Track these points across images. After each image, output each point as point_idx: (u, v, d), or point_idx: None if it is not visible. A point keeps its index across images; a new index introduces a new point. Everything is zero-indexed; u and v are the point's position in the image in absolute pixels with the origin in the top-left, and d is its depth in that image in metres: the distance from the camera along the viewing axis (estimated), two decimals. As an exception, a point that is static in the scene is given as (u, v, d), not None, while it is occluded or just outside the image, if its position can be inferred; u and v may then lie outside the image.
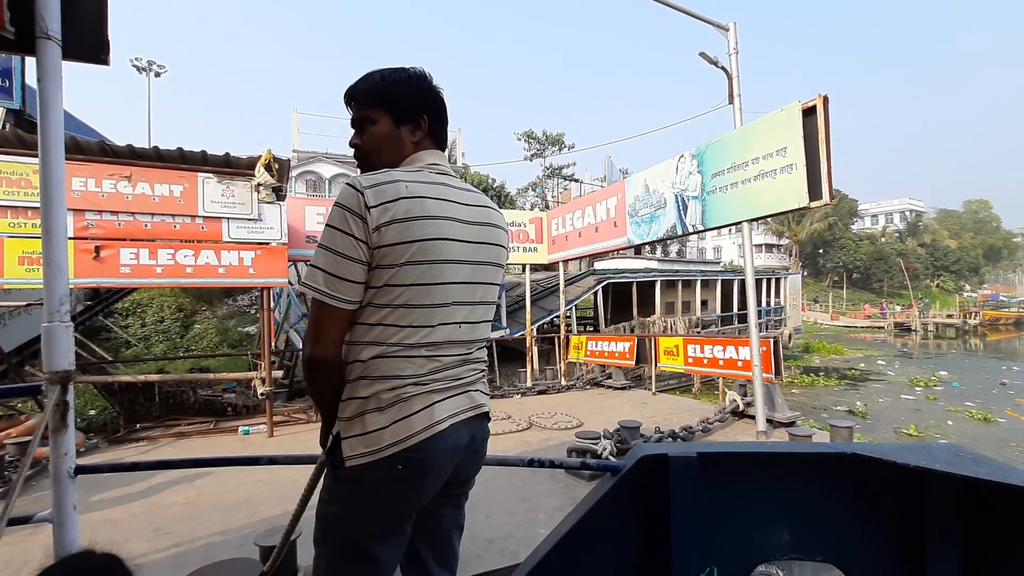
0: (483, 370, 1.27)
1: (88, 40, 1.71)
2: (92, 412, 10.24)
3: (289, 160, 5.78)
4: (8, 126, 5.66)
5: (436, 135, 1.23)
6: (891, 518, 1.34)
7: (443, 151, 1.25)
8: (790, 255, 47.12)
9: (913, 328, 36.44)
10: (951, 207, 66.86)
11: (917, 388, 16.05)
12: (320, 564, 1.14)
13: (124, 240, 5.16)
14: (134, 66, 30.92)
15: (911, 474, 1.23)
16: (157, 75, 31.53)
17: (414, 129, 1.19)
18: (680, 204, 5.97)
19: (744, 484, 1.38)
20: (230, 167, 5.53)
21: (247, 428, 6.11)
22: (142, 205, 5.16)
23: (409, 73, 1.19)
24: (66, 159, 4.96)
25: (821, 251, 51.51)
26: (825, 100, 4.29)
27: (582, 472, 4.12)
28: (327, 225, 1.06)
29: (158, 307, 17.22)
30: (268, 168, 5.57)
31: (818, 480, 1.37)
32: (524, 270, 10.34)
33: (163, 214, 5.25)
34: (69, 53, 1.64)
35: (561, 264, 9.43)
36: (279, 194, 5.78)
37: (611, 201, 7.40)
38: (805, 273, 49.39)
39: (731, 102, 5.31)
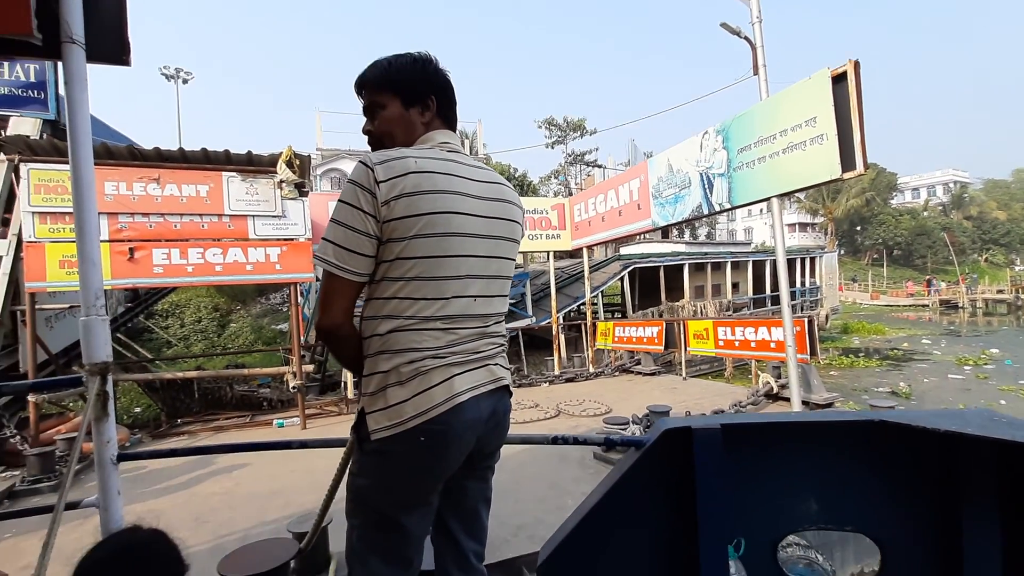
0: (501, 344, 1.27)
1: (110, 42, 1.76)
2: (137, 409, 10.71)
3: (309, 156, 5.84)
4: (44, 136, 5.87)
5: (445, 115, 1.25)
6: (923, 485, 1.29)
7: (454, 131, 1.27)
8: (826, 233, 45.47)
9: (960, 305, 34.75)
10: (999, 177, 63.21)
11: (966, 367, 15.31)
12: (352, 536, 1.19)
13: (158, 241, 5.32)
14: (163, 74, 31.85)
15: (942, 440, 1.18)
16: (184, 82, 32.40)
17: (423, 110, 1.21)
18: (705, 182, 5.79)
19: (770, 455, 1.35)
20: (253, 165, 5.63)
21: (281, 421, 6.26)
22: (171, 206, 5.30)
23: (415, 57, 1.21)
24: (97, 164, 5.10)
25: (859, 228, 49.52)
26: (856, 66, 4.06)
27: (611, 458, 4.07)
28: (339, 200, 1.09)
29: (195, 308, 17.81)
30: (289, 164, 5.65)
31: (846, 449, 1.33)
32: (548, 258, 10.26)
33: (191, 214, 5.38)
34: (93, 56, 1.69)
35: (585, 250, 9.31)
36: (301, 190, 5.85)
37: (634, 183, 7.24)
38: (842, 252, 47.67)
39: (756, 73, 5.09)
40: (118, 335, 11.10)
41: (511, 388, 1.28)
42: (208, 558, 3.00)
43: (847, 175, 4.24)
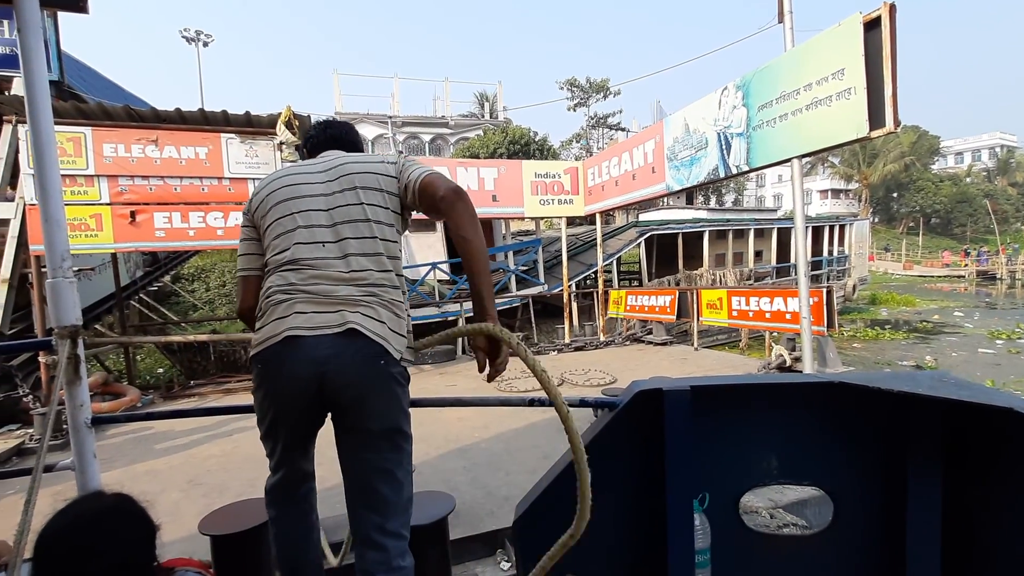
0: (372, 293, 1.28)
1: (63, -13, 1.70)
2: (160, 370, 11.04)
3: (309, 116, 5.68)
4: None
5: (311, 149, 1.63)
6: (875, 442, 1.40)
7: (326, 149, 1.58)
8: (859, 200, 43.58)
9: (999, 276, 33.22)
10: (1053, 140, 59.09)
11: (998, 341, 14.67)
12: None
13: (159, 204, 5.29)
14: (183, 37, 31.59)
15: (895, 400, 1.27)
16: (205, 44, 32.11)
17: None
18: (723, 143, 5.45)
19: (737, 415, 1.46)
20: (252, 126, 5.50)
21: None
22: (170, 169, 5.24)
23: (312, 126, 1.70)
24: (95, 125, 4.98)
25: (895, 195, 47.26)
26: (891, 9, 3.67)
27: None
28: None
29: (220, 272, 18.12)
30: (289, 126, 5.50)
31: (807, 409, 1.44)
32: (562, 224, 10.01)
33: (191, 177, 5.31)
34: (47, 1, 1.67)
35: (599, 216, 9.03)
36: (302, 152, 5.72)
37: (648, 145, 6.90)
38: (876, 219, 45.75)
39: (780, 21, 4.67)
40: (141, 297, 11.37)
41: (374, 337, 1.23)
42: (195, 520, 3.04)
43: (875, 133, 3.91)
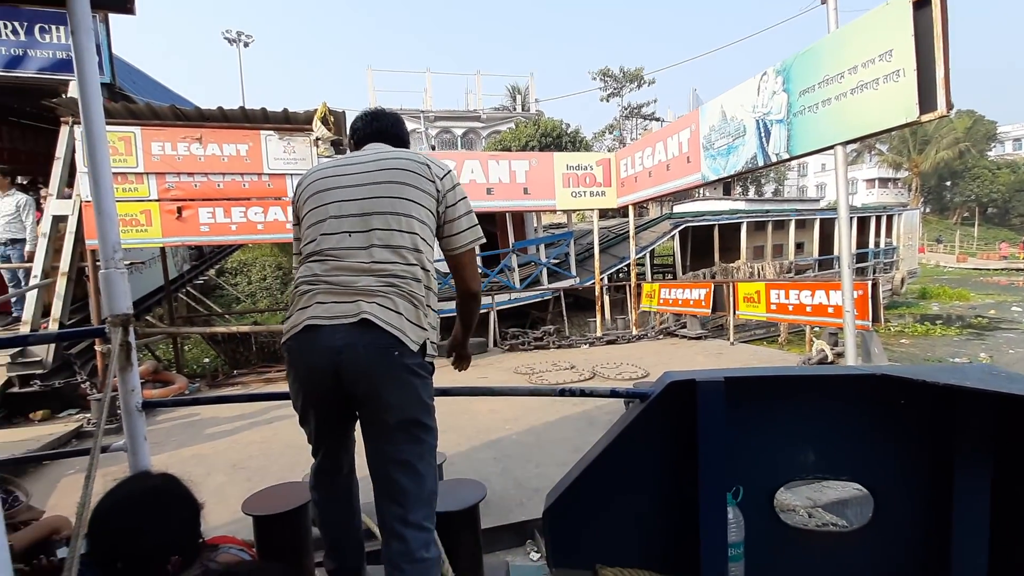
0: (393, 284, 1.28)
1: (114, -10, 1.76)
2: (207, 360, 11.53)
3: (344, 112, 5.78)
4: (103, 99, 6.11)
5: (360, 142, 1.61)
6: (920, 437, 1.34)
7: (374, 140, 1.58)
8: (909, 190, 41.44)
9: (1064, 269, 31.07)
10: None
11: (1063, 338, 13.76)
12: None
13: (203, 200, 5.51)
14: (225, 38, 32.61)
15: (941, 393, 1.21)
16: (246, 45, 33.10)
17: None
18: (762, 130, 5.27)
19: (772, 407, 1.41)
20: (289, 123, 5.64)
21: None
22: (213, 166, 5.44)
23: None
24: (143, 124, 5.18)
25: (948, 184, 44.71)
26: (945, -17, 3.46)
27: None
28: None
29: (261, 266, 18.74)
30: (324, 122, 5.62)
31: (846, 402, 1.38)
32: (594, 216, 9.91)
33: (233, 173, 5.51)
34: (98, 4, 1.65)
35: (631, 208, 8.89)
36: (338, 148, 5.84)
37: (684, 134, 6.74)
38: (927, 210, 43.44)
39: (823, 1, 4.47)
40: (188, 290, 11.87)
41: (387, 327, 1.23)
42: (238, 501, 3.18)
43: (926, 117, 3.71)
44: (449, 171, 1.45)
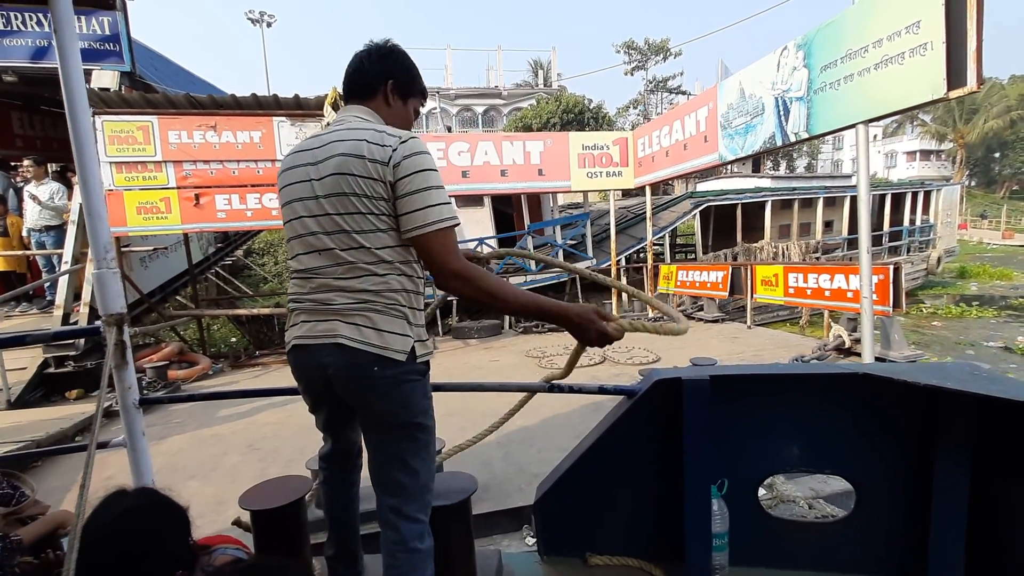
0: (363, 300, 1.21)
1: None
2: (233, 340, 11.93)
3: (354, 97, 5.78)
4: (123, 88, 6.24)
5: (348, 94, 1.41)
6: (902, 434, 1.39)
7: (359, 101, 1.38)
8: (954, 163, 39.38)
9: (1120, 246, 29.26)
10: None
11: (1113, 320, 13.05)
12: None
13: (220, 187, 5.63)
14: (248, 19, 32.80)
15: (923, 393, 1.26)
16: (269, 25, 33.22)
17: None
18: (781, 108, 5.07)
19: (757, 404, 1.47)
20: (301, 109, 5.69)
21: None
22: (228, 153, 5.54)
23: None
24: (160, 113, 5.26)
25: (996, 155, 42.31)
26: (980, -54, 3.22)
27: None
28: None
29: (285, 248, 19.08)
30: (335, 107, 5.64)
31: (829, 399, 1.45)
32: (610, 196, 9.75)
33: (247, 160, 5.60)
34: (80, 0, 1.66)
35: (648, 188, 8.72)
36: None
37: (701, 112, 6.54)
38: (972, 183, 41.30)
39: (848, -30, 4.23)
40: (217, 270, 12.21)
41: (365, 348, 1.19)
42: (253, 481, 3.33)
43: (954, 94, 3.51)
44: (405, 140, 1.18)
